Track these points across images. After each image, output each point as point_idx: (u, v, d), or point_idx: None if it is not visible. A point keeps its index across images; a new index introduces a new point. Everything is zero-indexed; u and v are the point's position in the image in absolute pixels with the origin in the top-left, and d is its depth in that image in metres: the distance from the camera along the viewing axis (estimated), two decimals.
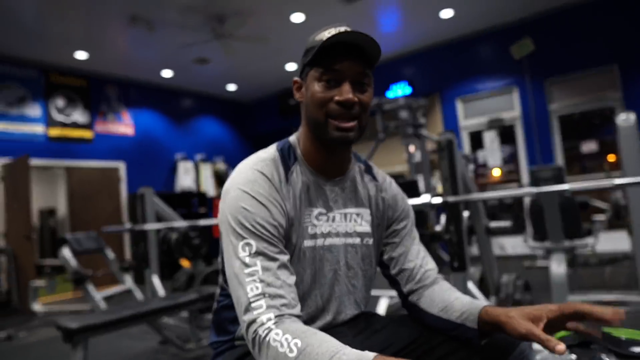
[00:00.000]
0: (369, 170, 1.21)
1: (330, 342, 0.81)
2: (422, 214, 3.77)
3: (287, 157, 1.06)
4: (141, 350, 3.61)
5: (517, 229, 2.99)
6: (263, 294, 0.87)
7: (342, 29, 0.99)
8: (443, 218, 2.12)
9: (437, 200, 2.07)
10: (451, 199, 2.04)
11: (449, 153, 2.11)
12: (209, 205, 8.87)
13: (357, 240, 1.12)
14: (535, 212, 3.77)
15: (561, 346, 0.81)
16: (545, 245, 3.70)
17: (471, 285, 2.18)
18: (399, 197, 1.21)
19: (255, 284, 0.88)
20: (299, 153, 1.08)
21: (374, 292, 3.41)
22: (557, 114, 6.91)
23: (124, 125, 7.90)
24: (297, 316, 0.90)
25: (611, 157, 6.83)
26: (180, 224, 3.88)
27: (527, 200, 4.91)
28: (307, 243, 1.04)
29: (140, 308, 2.91)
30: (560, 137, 6.91)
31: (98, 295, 4.39)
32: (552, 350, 0.81)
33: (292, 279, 0.94)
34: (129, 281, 4.85)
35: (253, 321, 0.86)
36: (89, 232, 5.02)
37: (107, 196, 7.59)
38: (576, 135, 6.94)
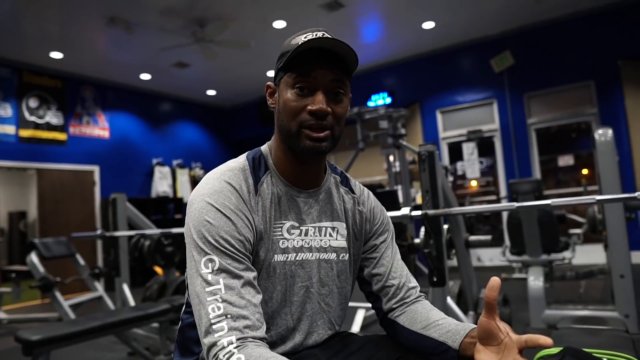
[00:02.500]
0: (345, 182, 1.15)
1: None
2: (401, 225, 3.74)
3: (257, 167, 1.00)
4: None
5: (495, 242, 2.97)
6: (225, 315, 0.81)
7: (320, 34, 0.94)
8: (422, 230, 2.07)
9: (417, 213, 2.02)
10: (431, 212, 1.99)
11: (429, 165, 2.07)
12: (186, 212, 8.71)
13: (333, 255, 1.05)
14: (513, 225, 3.77)
15: None
16: (523, 259, 3.70)
17: (450, 301, 2.13)
18: (377, 209, 1.16)
19: (217, 303, 0.82)
20: (271, 163, 1.02)
21: (352, 304, 3.36)
22: (535, 127, 7.00)
23: (99, 128, 7.72)
24: (262, 339, 0.84)
25: (586, 171, 6.95)
26: (153, 231, 3.77)
27: (505, 213, 4.92)
28: (278, 258, 0.97)
29: (107, 319, 2.79)
30: (538, 150, 6.99)
31: (66, 302, 4.23)
32: None
33: (257, 298, 0.87)
34: (99, 288, 4.70)
35: (214, 344, 0.79)
36: (59, 238, 4.85)
37: (80, 200, 7.38)
38: (553, 149, 7.04)
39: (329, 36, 0.94)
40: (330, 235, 1.06)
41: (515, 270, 5.72)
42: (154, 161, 8.50)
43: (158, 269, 5.84)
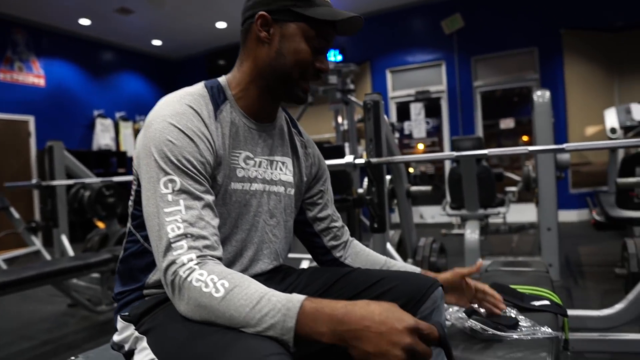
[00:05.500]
0: (294, 123, 1.19)
1: (258, 284, 0.77)
2: (347, 179, 3.80)
3: (216, 95, 1.00)
4: (47, 314, 3.40)
5: (436, 194, 3.10)
6: (185, 235, 0.80)
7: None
8: (365, 180, 2.12)
9: (360, 161, 2.06)
10: (374, 160, 2.03)
11: (374, 114, 2.09)
12: (129, 166, 8.44)
13: (281, 189, 1.08)
14: (453, 181, 3.92)
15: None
16: (461, 213, 3.87)
17: (390, 247, 2.21)
18: (321, 157, 1.23)
19: (177, 223, 0.81)
20: (230, 94, 1.02)
21: (293, 255, 3.43)
22: (480, 90, 7.19)
23: (33, 76, 7.24)
24: (219, 258, 0.84)
25: (525, 138, 7.25)
26: (93, 180, 3.64)
27: (447, 170, 5.09)
28: (235, 185, 0.99)
29: (44, 268, 2.71)
30: (482, 114, 7.21)
31: None
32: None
33: (215, 221, 0.88)
34: (36, 243, 4.52)
35: (173, 262, 0.79)
36: None
37: (13, 152, 6.98)
38: (496, 114, 7.28)
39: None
40: (281, 169, 1.09)
41: (455, 227, 5.99)
42: (95, 113, 8.11)
43: (100, 224, 5.68)
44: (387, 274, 1.04)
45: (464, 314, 1.22)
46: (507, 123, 7.18)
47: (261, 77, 1.01)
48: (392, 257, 2.19)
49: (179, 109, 0.91)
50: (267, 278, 1.06)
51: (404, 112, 7.65)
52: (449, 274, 1.17)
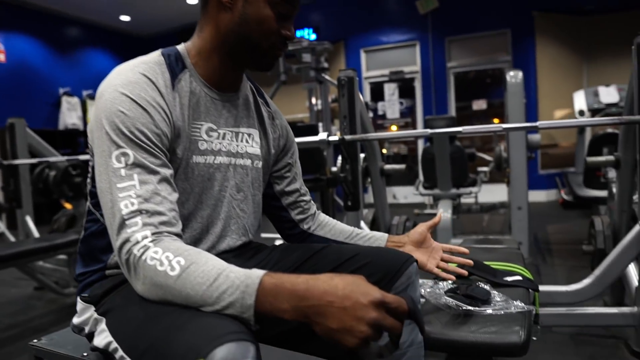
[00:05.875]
0: (261, 93, 1.14)
1: (216, 261, 0.72)
2: (320, 159, 3.77)
3: (174, 64, 0.94)
4: (13, 297, 3.31)
5: (409, 175, 3.10)
6: (139, 211, 0.76)
7: None
8: (339, 158, 2.09)
9: (334, 138, 2.03)
10: (349, 137, 2.01)
11: (349, 91, 2.06)
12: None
13: (248, 161, 1.04)
14: (426, 161, 3.94)
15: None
16: (434, 193, 3.90)
17: (364, 225, 2.20)
18: (289, 128, 1.19)
19: (131, 199, 0.76)
20: (189, 62, 0.96)
21: (265, 235, 3.40)
22: (454, 71, 7.22)
23: None
24: (178, 235, 0.80)
25: (496, 120, 7.34)
26: (59, 159, 3.51)
27: (420, 150, 5.11)
28: (197, 159, 0.94)
29: (7, 250, 2.61)
30: (455, 95, 7.26)
31: None
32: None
33: (174, 196, 0.83)
34: (0, 225, 4.37)
35: (127, 240, 0.74)
36: None
37: None
38: (469, 96, 7.34)
39: None
40: (247, 141, 1.04)
41: (427, 207, 6.06)
42: (61, 91, 7.82)
43: (67, 205, 5.52)
44: (360, 250, 1.02)
45: (439, 289, 1.22)
46: (479, 104, 7.25)
47: (224, 44, 0.95)
48: None
49: (132, 77, 0.85)
50: (236, 255, 1.03)
51: (377, 92, 7.63)
52: (416, 234, 1.17)
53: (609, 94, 5.38)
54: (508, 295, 1.21)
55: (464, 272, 1.21)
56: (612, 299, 2.37)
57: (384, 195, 2.67)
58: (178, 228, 0.80)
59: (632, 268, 2.07)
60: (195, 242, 0.96)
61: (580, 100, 5.58)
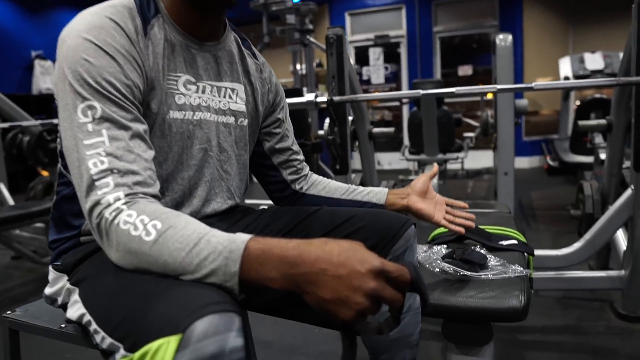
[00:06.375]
0: (247, 44, 1.04)
1: (197, 224, 0.65)
2: (305, 123, 3.69)
3: (146, 8, 0.83)
4: None
5: (394, 141, 3.05)
6: (111, 170, 0.67)
7: None
8: (327, 120, 2.02)
9: (322, 99, 1.95)
10: (337, 98, 1.93)
11: (337, 49, 1.97)
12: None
13: (231, 119, 0.95)
14: (413, 125, 3.88)
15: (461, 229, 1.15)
16: (420, 158, 3.87)
17: None
18: (278, 82, 1.11)
19: (100, 157, 0.68)
20: (162, 6, 0.86)
21: (251, 202, 3.34)
22: (440, 35, 7.11)
23: None
24: (155, 196, 0.72)
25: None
26: (32, 123, 3.36)
27: (406, 116, 5.05)
28: (174, 114, 0.84)
29: None
30: (440, 61, 7.16)
31: None
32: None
33: (149, 154, 0.74)
34: None
35: (97, 203, 0.66)
36: None
37: None
38: (454, 61, 7.25)
39: None
40: (230, 97, 0.95)
41: (412, 173, 6.05)
42: (33, 54, 7.48)
43: (43, 172, 5.35)
44: (356, 212, 0.96)
45: (434, 254, 1.18)
46: (465, 70, 7.17)
47: None
48: None
49: (97, 22, 0.75)
50: (222, 219, 0.96)
51: (362, 57, 7.49)
52: (418, 184, 1.12)
53: (594, 61, 5.35)
54: (504, 259, 1.18)
55: (472, 224, 1.16)
56: (597, 262, 2.38)
57: (372, 159, 2.61)
58: (155, 189, 0.72)
59: (620, 233, 2.07)
60: (177, 205, 0.89)
61: (565, 67, 5.55)
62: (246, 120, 0.99)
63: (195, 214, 0.91)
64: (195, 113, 0.88)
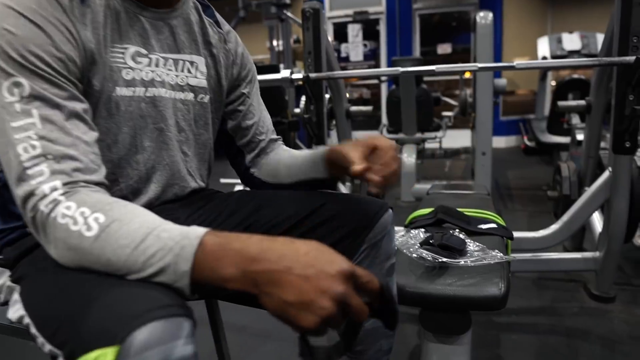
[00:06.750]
0: (210, 12, 0.94)
1: (146, 217, 0.57)
2: (281, 102, 3.60)
3: None
4: None
5: (372, 119, 2.99)
6: (44, 156, 0.59)
7: None
8: (303, 98, 1.94)
9: (298, 76, 1.87)
10: (313, 75, 1.85)
11: (314, 24, 1.88)
12: None
13: (190, 95, 0.87)
14: (392, 104, 3.83)
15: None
16: (398, 137, 3.82)
17: None
18: (246, 53, 1.00)
19: (32, 141, 0.59)
20: None
21: (228, 181, 3.26)
22: (419, 12, 7.01)
23: None
24: (99, 184, 0.63)
25: None
26: None
27: (384, 94, 4.99)
28: (122, 91, 0.75)
29: None
30: (420, 38, 7.08)
31: None
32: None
33: (91, 135, 0.66)
34: None
35: (31, 194, 0.58)
36: None
37: None
38: (434, 40, 7.18)
39: None
40: (189, 71, 0.86)
41: None
42: None
43: None
44: (327, 199, 0.89)
45: (412, 239, 1.14)
46: (444, 48, 7.11)
47: None
48: None
49: None
50: (185, 204, 0.89)
51: (341, 34, 7.36)
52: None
53: (572, 41, 5.35)
54: (483, 244, 1.14)
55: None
56: (571, 243, 2.39)
57: (350, 138, 2.56)
58: (99, 175, 0.64)
59: (596, 215, 2.07)
60: (134, 192, 0.81)
61: (544, 47, 5.54)
62: (207, 96, 0.90)
63: (154, 200, 0.84)
64: (147, 89, 0.79)
